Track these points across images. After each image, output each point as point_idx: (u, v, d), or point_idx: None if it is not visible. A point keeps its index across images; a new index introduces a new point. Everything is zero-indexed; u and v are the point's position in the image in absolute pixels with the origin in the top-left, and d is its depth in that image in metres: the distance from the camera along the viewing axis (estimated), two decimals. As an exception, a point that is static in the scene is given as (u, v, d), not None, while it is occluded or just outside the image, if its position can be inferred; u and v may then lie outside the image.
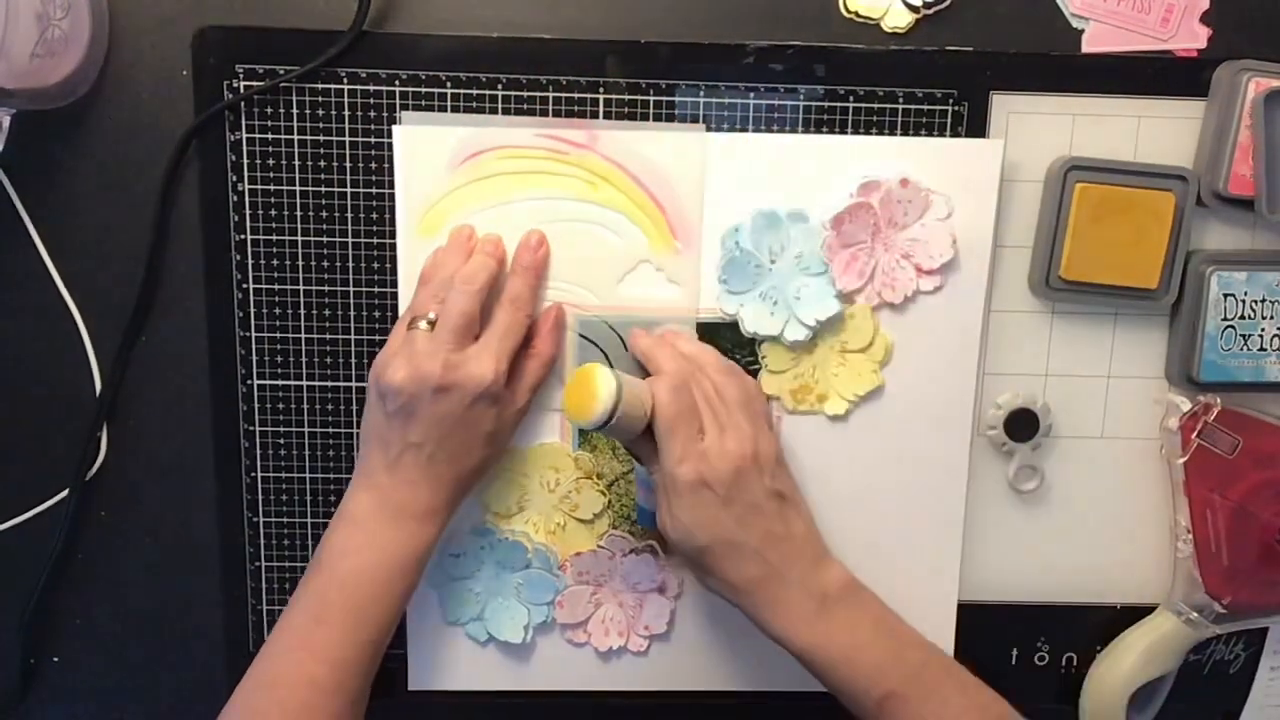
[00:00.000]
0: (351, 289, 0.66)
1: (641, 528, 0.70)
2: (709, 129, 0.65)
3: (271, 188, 0.65)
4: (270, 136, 0.64)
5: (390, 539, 0.60)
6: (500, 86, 0.64)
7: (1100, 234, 0.64)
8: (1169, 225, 0.65)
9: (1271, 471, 0.67)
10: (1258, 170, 0.63)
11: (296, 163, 0.65)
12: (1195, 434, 0.67)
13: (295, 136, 0.64)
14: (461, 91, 0.64)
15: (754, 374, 0.67)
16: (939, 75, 0.65)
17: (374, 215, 0.65)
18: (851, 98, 0.65)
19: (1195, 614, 0.69)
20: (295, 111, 0.64)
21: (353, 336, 0.67)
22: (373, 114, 0.64)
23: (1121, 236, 0.64)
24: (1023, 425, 0.68)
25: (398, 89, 0.64)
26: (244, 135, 0.64)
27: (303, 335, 0.67)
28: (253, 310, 0.66)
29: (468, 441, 0.61)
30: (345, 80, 0.64)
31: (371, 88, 0.64)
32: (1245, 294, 0.65)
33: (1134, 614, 0.72)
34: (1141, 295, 0.66)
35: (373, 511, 0.60)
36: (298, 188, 0.65)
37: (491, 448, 0.63)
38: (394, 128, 0.64)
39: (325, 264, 0.66)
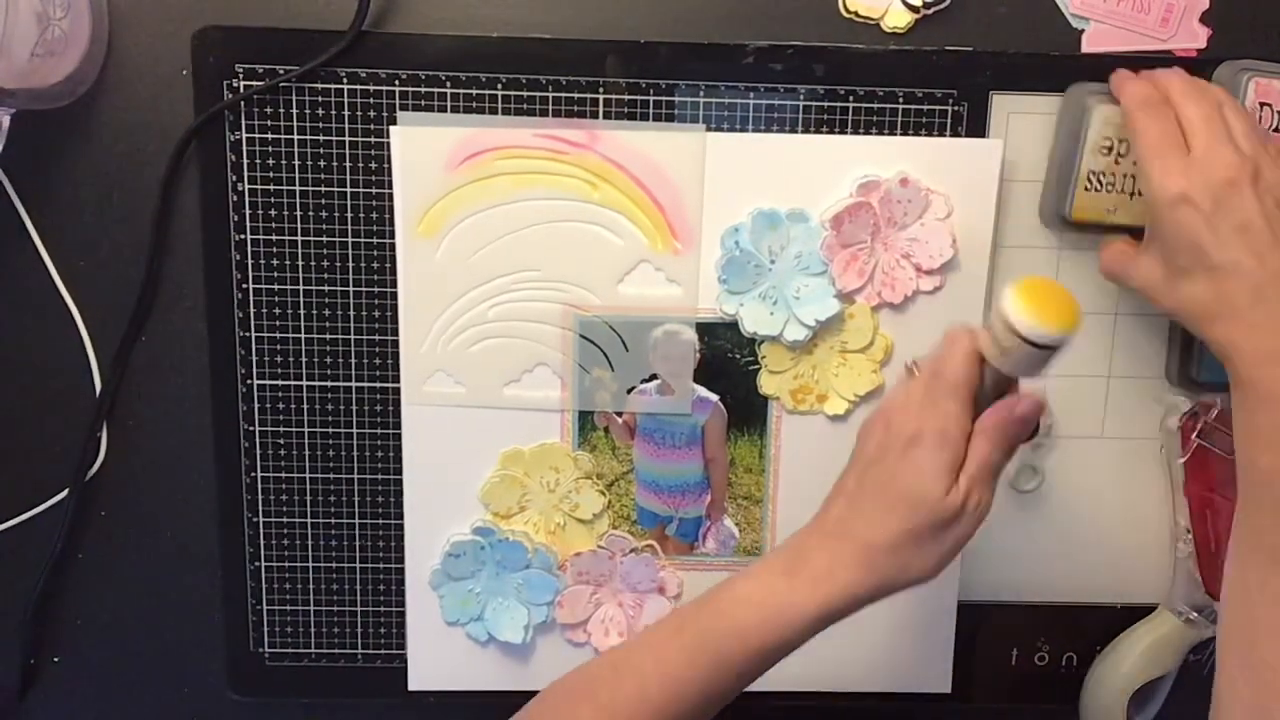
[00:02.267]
0: (351, 289, 0.66)
1: (641, 528, 0.70)
2: (709, 129, 0.65)
3: (271, 188, 0.65)
4: (270, 136, 0.64)
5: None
6: (500, 86, 0.64)
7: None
8: None
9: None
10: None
11: (296, 163, 0.65)
12: (1195, 434, 0.67)
13: (295, 136, 0.64)
14: (461, 91, 0.64)
15: (753, 374, 0.67)
16: (939, 75, 0.65)
17: (374, 215, 0.65)
18: (851, 98, 0.65)
19: (1195, 614, 0.69)
20: (295, 111, 0.64)
21: (352, 336, 0.67)
22: (372, 114, 0.64)
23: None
24: (1023, 425, 0.68)
25: (397, 89, 0.64)
26: (244, 135, 0.64)
27: (302, 335, 0.67)
28: (253, 310, 0.66)
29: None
30: (345, 80, 0.64)
31: (371, 87, 0.64)
32: None
33: (1134, 614, 0.72)
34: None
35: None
36: (297, 188, 0.65)
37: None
38: (392, 128, 0.64)
39: (325, 264, 0.66)
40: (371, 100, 0.64)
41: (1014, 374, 0.54)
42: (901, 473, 0.53)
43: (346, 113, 0.64)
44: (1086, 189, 0.63)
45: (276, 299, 0.66)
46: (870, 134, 0.65)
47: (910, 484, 0.53)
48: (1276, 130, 0.63)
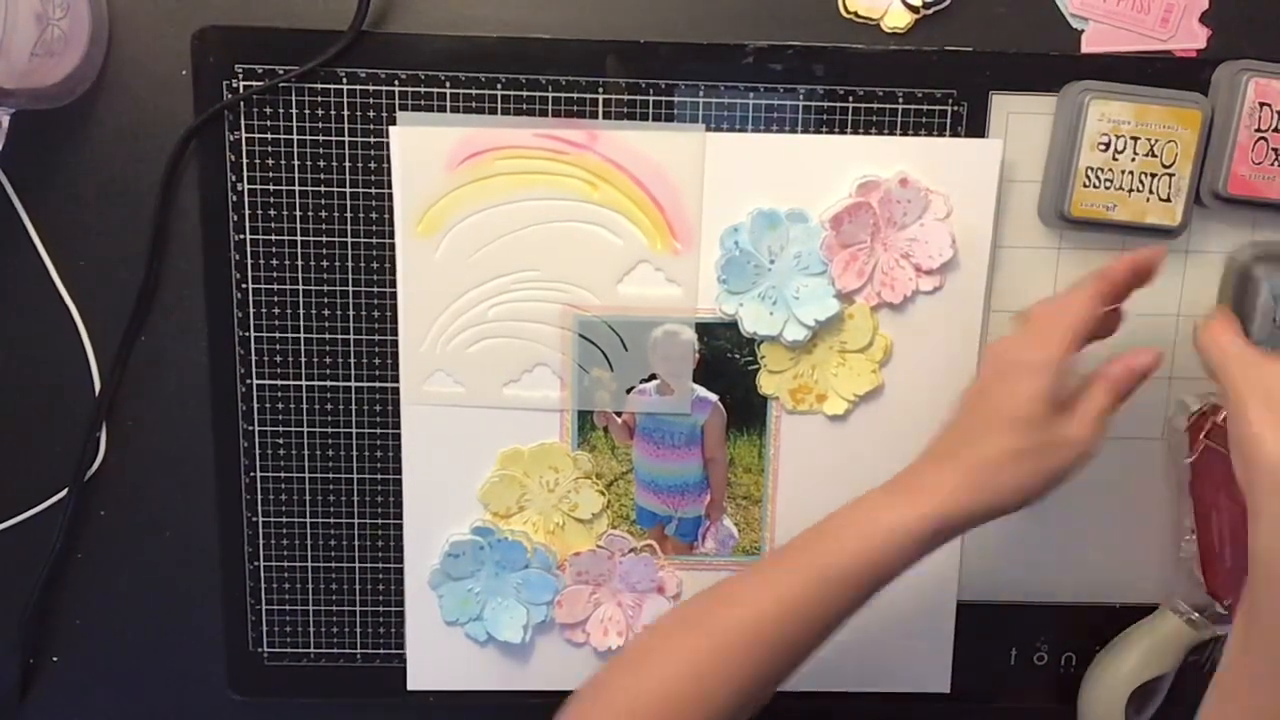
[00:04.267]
0: (351, 289, 0.66)
1: (640, 528, 0.70)
2: (709, 129, 0.65)
3: (271, 187, 0.65)
4: (270, 136, 0.64)
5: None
6: (500, 86, 0.64)
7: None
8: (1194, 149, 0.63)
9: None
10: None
11: (296, 162, 0.65)
12: (1204, 434, 0.67)
13: (294, 136, 0.64)
14: (461, 91, 0.64)
15: (753, 374, 0.67)
16: (938, 75, 0.65)
17: (374, 215, 0.65)
18: (851, 98, 0.65)
19: (1196, 614, 0.69)
20: (294, 111, 0.64)
21: (352, 336, 0.67)
22: (372, 114, 0.64)
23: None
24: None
25: (397, 89, 0.64)
26: (243, 135, 0.64)
27: (302, 335, 0.67)
28: (252, 310, 0.66)
29: None
30: (345, 80, 0.64)
31: (371, 87, 0.64)
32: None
33: (1134, 614, 0.72)
34: (1161, 232, 0.65)
35: None
36: (297, 187, 0.65)
37: None
38: (391, 128, 0.64)
39: (325, 264, 0.66)
40: (371, 100, 0.64)
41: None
42: (1010, 396, 0.55)
43: (346, 113, 0.64)
44: (1085, 185, 0.63)
45: (276, 299, 0.66)
46: (870, 134, 0.65)
47: (1018, 406, 0.55)
48: (1276, 130, 0.63)
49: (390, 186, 0.65)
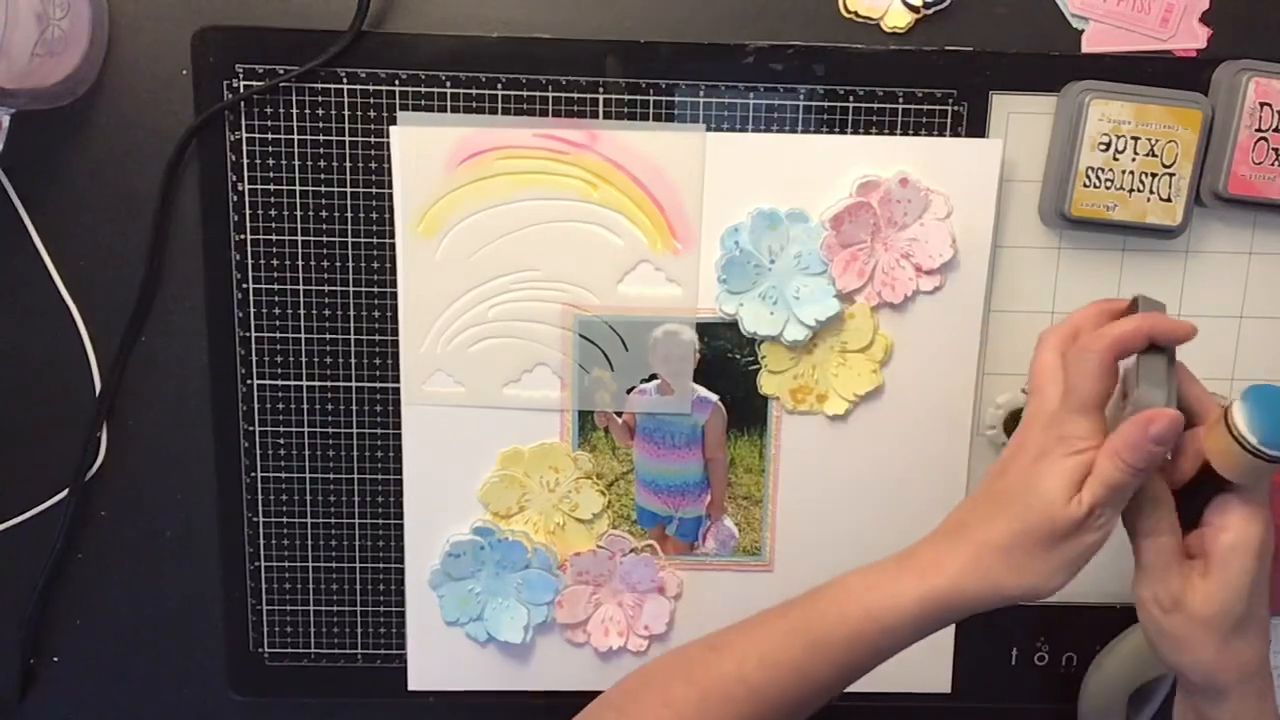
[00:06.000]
0: (351, 289, 0.66)
1: (641, 528, 0.70)
2: (709, 129, 0.65)
3: (271, 187, 0.65)
4: (270, 136, 0.64)
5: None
6: (500, 86, 0.64)
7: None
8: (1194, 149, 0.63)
9: (1277, 474, 0.67)
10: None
11: (296, 162, 0.65)
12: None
13: (295, 136, 0.64)
14: (461, 91, 0.64)
15: (753, 374, 0.67)
16: (939, 75, 0.65)
17: (374, 215, 0.65)
18: (851, 98, 0.65)
19: (1196, 614, 0.69)
20: (295, 111, 0.64)
21: (352, 336, 0.67)
22: (372, 114, 0.64)
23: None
24: (1023, 425, 0.68)
25: (397, 89, 0.64)
26: (243, 135, 0.64)
27: (302, 335, 0.67)
28: (252, 310, 0.66)
29: None
30: (345, 80, 0.64)
31: (371, 87, 0.64)
32: None
33: (1134, 614, 0.71)
34: (1161, 232, 0.65)
35: None
36: (297, 187, 0.65)
37: None
38: (391, 128, 0.64)
39: (325, 264, 0.66)
40: (371, 100, 0.64)
41: (1239, 480, 0.51)
42: (1025, 479, 0.51)
43: (346, 113, 0.64)
44: (1085, 185, 0.63)
45: (276, 299, 0.66)
46: (870, 134, 0.65)
47: (1031, 488, 0.51)
48: (1277, 130, 0.63)
49: (390, 186, 0.65)
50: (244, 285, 0.66)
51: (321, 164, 0.65)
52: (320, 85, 0.64)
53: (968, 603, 0.52)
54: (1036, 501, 0.51)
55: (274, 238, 0.65)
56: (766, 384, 0.67)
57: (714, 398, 0.68)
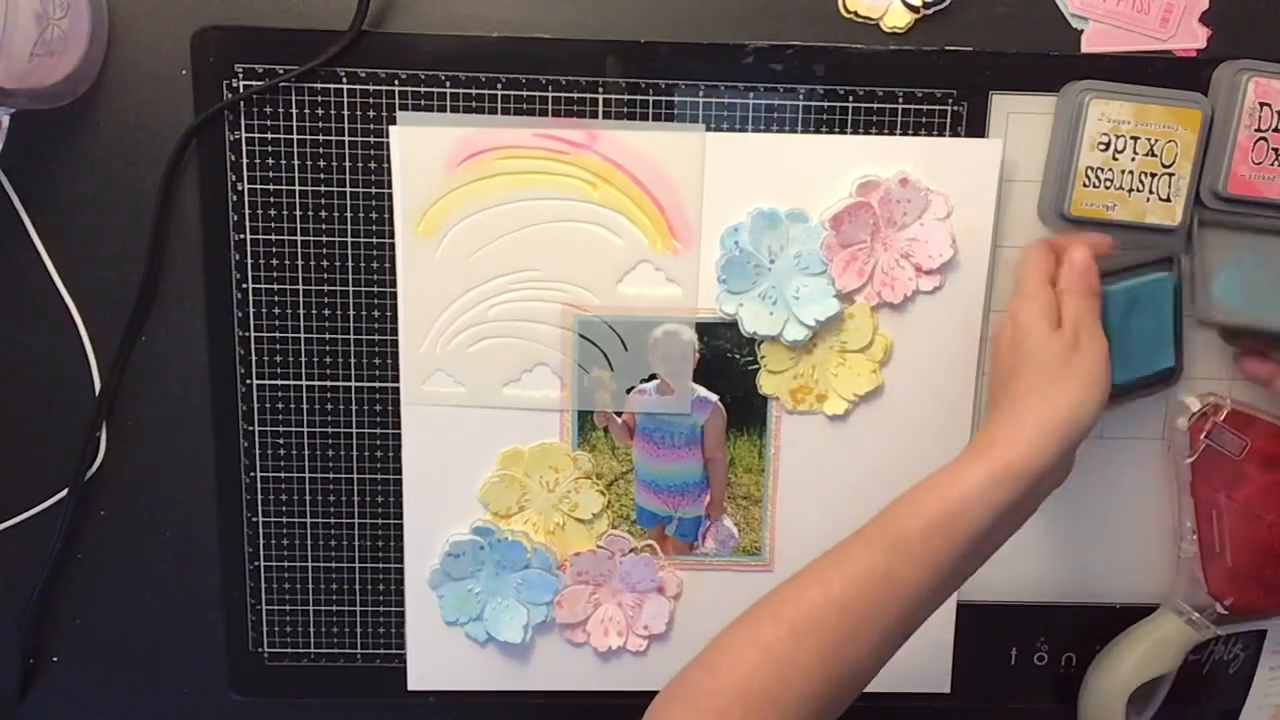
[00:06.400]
0: (351, 289, 0.66)
1: (641, 528, 0.70)
2: (709, 129, 0.65)
3: (271, 187, 0.65)
4: (269, 136, 0.64)
5: None
6: (500, 86, 0.64)
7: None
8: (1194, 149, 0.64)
9: (1278, 474, 0.67)
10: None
11: (296, 162, 0.65)
12: (1204, 435, 0.67)
13: (294, 136, 0.64)
14: (461, 91, 0.64)
15: (753, 374, 0.67)
16: (938, 75, 0.65)
17: (374, 215, 0.65)
18: (851, 98, 0.65)
19: (1197, 614, 0.69)
20: (294, 111, 0.64)
21: (352, 336, 0.67)
22: (372, 114, 0.64)
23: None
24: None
25: (397, 89, 0.64)
26: (243, 135, 0.64)
27: (302, 335, 0.67)
28: (252, 310, 0.66)
29: None
30: (344, 80, 0.64)
31: (371, 87, 0.64)
32: None
33: (1134, 614, 0.72)
34: (1161, 232, 0.65)
35: None
36: (297, 187, 0.65)
37: None
38: (392, 128, 0.64)
39: (325, 264, 0.66)
40: (371, 100, 0.64)
41: None
42: (1017, 346, 0.59)
43: (346, 112, 0.64)
44: (1085, 185, 0.63)
45: (276, 299, 0.66)
46: (870, 134, 0.65)
47: (1022, 342, 0.58)
48: (1276, 130, 0.63)
49: (390, 186, 0.65)
50: (244, 285, 0.66)
51: (321, 164, 0.65)
52: (320, 85, 0.64)
53: (1034, 465, 0.55)
54: (1032, 346, 0.58)
55: (274, 237, 0.65)
56: (766, 384, 0.67)
57: (714, 398, 0.68)
